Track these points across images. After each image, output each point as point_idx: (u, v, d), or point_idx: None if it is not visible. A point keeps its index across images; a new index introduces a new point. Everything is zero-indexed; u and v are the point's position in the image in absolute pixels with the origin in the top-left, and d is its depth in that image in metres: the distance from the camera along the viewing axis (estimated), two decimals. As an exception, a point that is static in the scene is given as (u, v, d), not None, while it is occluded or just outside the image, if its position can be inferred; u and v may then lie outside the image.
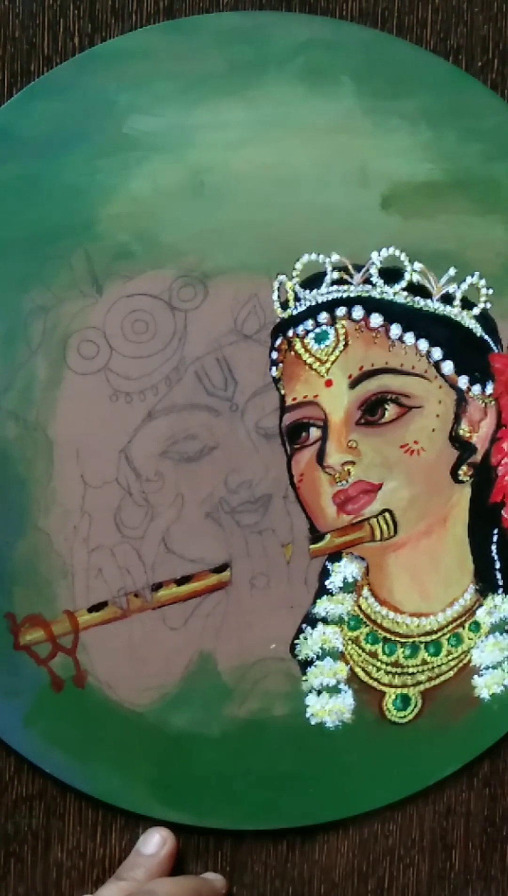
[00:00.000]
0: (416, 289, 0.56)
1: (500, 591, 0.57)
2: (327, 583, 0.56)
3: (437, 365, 0.56)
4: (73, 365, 0.55)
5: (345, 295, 0.55)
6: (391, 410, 0.56)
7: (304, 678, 0.56)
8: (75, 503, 0.55)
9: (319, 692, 0.57)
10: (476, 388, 0.56)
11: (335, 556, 0.56)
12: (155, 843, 0.56)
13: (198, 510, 0.55)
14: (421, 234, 0.55)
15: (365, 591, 0.57)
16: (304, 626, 0.56)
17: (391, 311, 0.55)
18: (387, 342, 0.55)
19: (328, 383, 0.55)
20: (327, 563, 0.56)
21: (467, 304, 0.56)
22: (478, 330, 0.56)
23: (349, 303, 0.55)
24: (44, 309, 0.54)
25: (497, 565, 0.57)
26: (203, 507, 0.55)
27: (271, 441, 0.55)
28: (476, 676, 0.57)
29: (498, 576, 0.57)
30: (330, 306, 0.55)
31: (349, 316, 0.55)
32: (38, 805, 0.57)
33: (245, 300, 0.55)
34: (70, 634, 0.55)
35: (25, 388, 0.54)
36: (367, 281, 0.55)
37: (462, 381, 0.56)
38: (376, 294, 0.55)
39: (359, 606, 0.57)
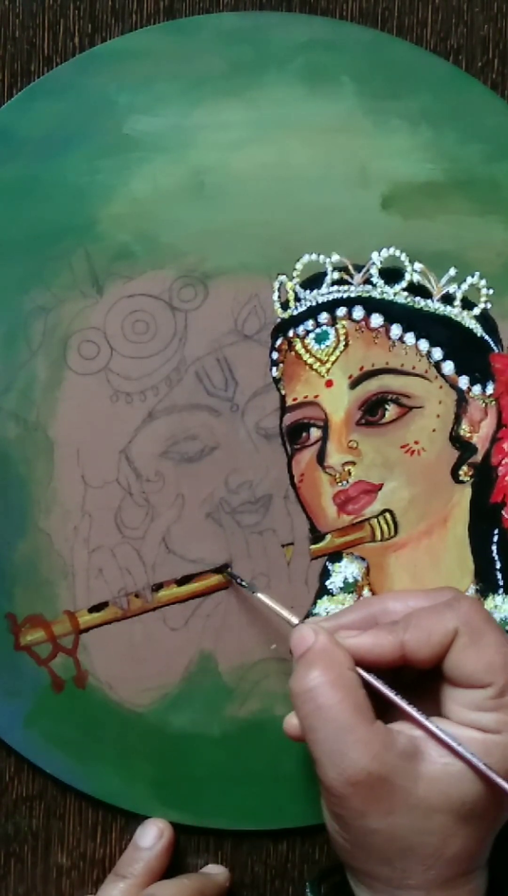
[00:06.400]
0: (416, 289, 0.56)
1: (500, 591, 0.57)
2: (327, 583, 0.56)
3: (437, 365, 0.56)
4: (73, 365, 0.55)
5: (345, 295, 0.55)
6: (391, 411, 0.56)
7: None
8: (76, 503, 0.55)
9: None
10: (477, 389, 0.56)
11: (336, 557, 0.56)
12: (152, 835, 0.56)
13: (198, 510, 0.55)
14: (421, 234, 0.55)
15: (366, 592, 0.57)
16: (304, 626, 0.56)
17: (392, 312, 0.55)
18: (387, 342, 0.55)
19: (329, 383, 0.55)
20: (327, 563, 0.56)
21: (467, 304, 0.56)
22: (479, 330, 0.56)
23: (350, 303, 0.55)
24: (44, 309, 0.54)
25: (498, 565, 0.57)
26: (204, 507, 0.55)
27: (271, 441, 0.55)
28: (476, 676, 0.57)
29: (499, 576, 0.57)
30: (330, 306, 0.55)
31: (349, 316, 0.55)
32: (38, 805, 0.57)
33: (245, 300, 0.55)
34: (71, 635, 0.55)
35: (26, 389, 0.54)
36: (367, 281, 0.55)
37: (463, 382, 0.56)
38: (376, 294, 0.55)
39: (359, 606, 0.57)
